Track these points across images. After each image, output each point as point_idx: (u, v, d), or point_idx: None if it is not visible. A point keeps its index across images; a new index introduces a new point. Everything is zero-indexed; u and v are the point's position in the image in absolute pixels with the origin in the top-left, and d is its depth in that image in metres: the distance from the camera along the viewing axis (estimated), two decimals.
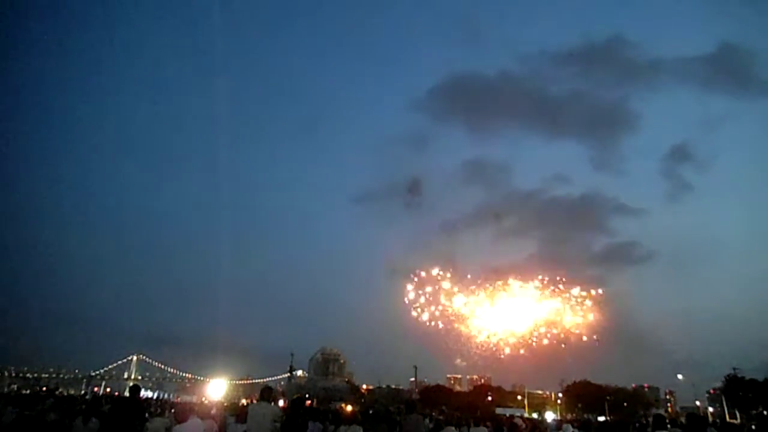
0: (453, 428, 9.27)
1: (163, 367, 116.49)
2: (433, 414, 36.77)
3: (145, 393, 76.26)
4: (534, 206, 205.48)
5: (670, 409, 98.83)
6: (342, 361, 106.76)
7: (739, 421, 52.97)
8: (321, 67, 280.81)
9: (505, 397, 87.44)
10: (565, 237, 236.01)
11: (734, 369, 62.52)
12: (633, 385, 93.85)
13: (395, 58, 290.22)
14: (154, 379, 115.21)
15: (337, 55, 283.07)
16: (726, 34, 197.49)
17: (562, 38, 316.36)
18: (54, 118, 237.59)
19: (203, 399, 64.80)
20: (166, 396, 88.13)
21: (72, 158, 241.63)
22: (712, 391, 72.30)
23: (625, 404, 71.77)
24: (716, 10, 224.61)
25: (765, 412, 54.45)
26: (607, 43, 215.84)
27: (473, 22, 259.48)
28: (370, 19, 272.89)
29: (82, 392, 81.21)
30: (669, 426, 7.12)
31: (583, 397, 74.80)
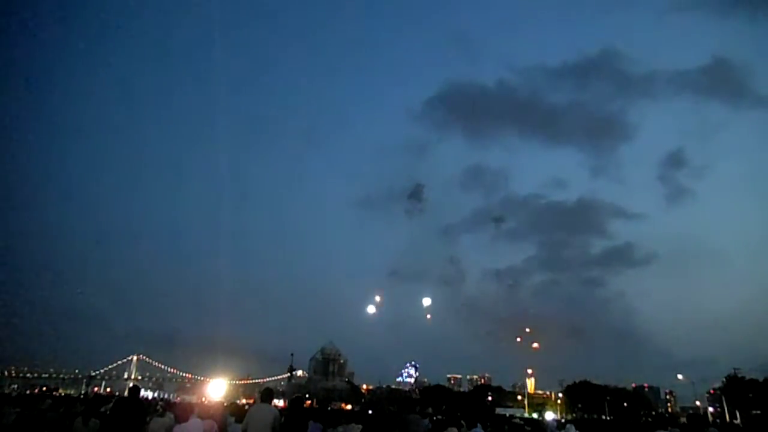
0: (455, 429, 9.27)
1: (163, 367, 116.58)
2: (435, 416, 36.74)
3: (145, 393, 76.29)
4: (533, 211, 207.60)
5: (670, 409, 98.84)
6: (342, 361, 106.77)
7: (739, 421, 52.96)
8: (323, 78, 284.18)
9: (505, 397, 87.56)
10: (563, 240, 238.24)
11: (734, 369, 62.59)
12: (633, 385, 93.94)
13: (396, 70, 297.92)
14: (154, 379, 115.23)
15: (340, 67, 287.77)
16: (720, 48, 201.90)
17: (558, 52, 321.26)
18: (63, 123, 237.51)
19: (203, 399, 64.79)
20: (166, 396, 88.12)
21: (75, 160, 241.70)
22: (712, 391, 72.25)
23: (625, 404, 71.71)
24: (710, 25, 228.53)
25: None
26: (603, 57, 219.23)
27: (471, 38, 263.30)
28: (372, 33, 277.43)
29: (82, 392, 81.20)
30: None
31: (583, 397, 74.78)
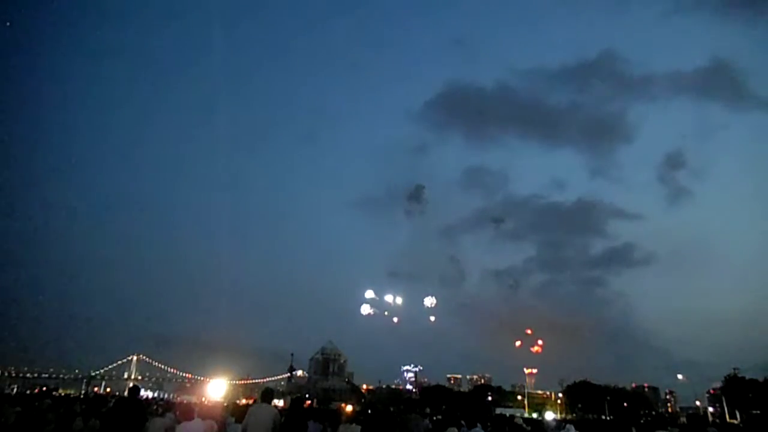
0: (454, 429, 9.29)
1: (163, 367, 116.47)
2: (435, 416, 36.75)
3: (145, 393, 76.27)
4: (532, 211, 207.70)
5: (670, 409, 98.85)
6: (342, 361, 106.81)
7: (738, 421, 52.99)
8: (323, 78, 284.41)
9: (505, 397, 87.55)
10: (563, 241, 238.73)
11: (734, 369, 62.65)
12: (633, 385, 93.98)
13: (396, 71, 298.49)
14: (154, 379, 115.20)
15: (339, 67, 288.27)
16: (719, 49, 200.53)
17: (557, 54, 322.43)
18: (59, 122, 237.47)
19: (203, 399, 64.78)
20: (166, 396, 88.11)
21: (75, 159, 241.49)
22: (712, 391, 72.30)
23: (625, 404, 71.71)
24: (709, 27, 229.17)
25: None
26: (602, 58, 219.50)
27: (471, 39, 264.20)
28: (372, 33, 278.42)
29: (82, 392, 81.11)
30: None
31: (583, 397, 74.76)
